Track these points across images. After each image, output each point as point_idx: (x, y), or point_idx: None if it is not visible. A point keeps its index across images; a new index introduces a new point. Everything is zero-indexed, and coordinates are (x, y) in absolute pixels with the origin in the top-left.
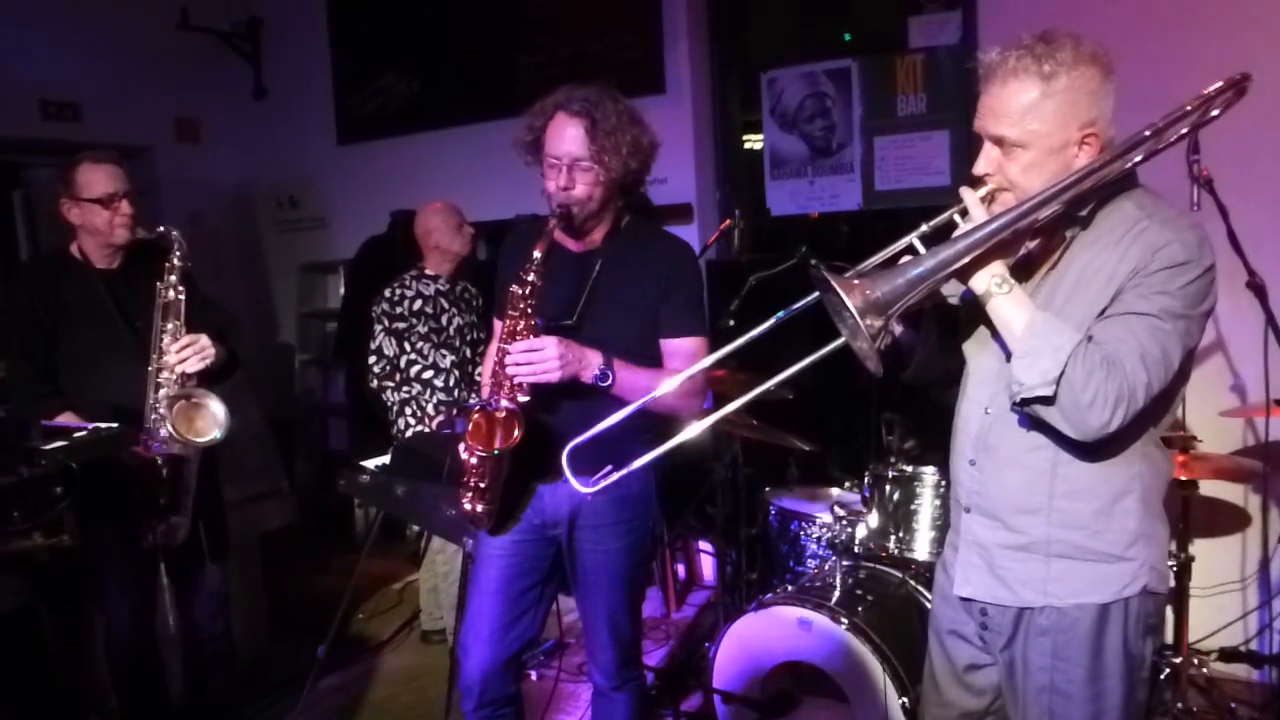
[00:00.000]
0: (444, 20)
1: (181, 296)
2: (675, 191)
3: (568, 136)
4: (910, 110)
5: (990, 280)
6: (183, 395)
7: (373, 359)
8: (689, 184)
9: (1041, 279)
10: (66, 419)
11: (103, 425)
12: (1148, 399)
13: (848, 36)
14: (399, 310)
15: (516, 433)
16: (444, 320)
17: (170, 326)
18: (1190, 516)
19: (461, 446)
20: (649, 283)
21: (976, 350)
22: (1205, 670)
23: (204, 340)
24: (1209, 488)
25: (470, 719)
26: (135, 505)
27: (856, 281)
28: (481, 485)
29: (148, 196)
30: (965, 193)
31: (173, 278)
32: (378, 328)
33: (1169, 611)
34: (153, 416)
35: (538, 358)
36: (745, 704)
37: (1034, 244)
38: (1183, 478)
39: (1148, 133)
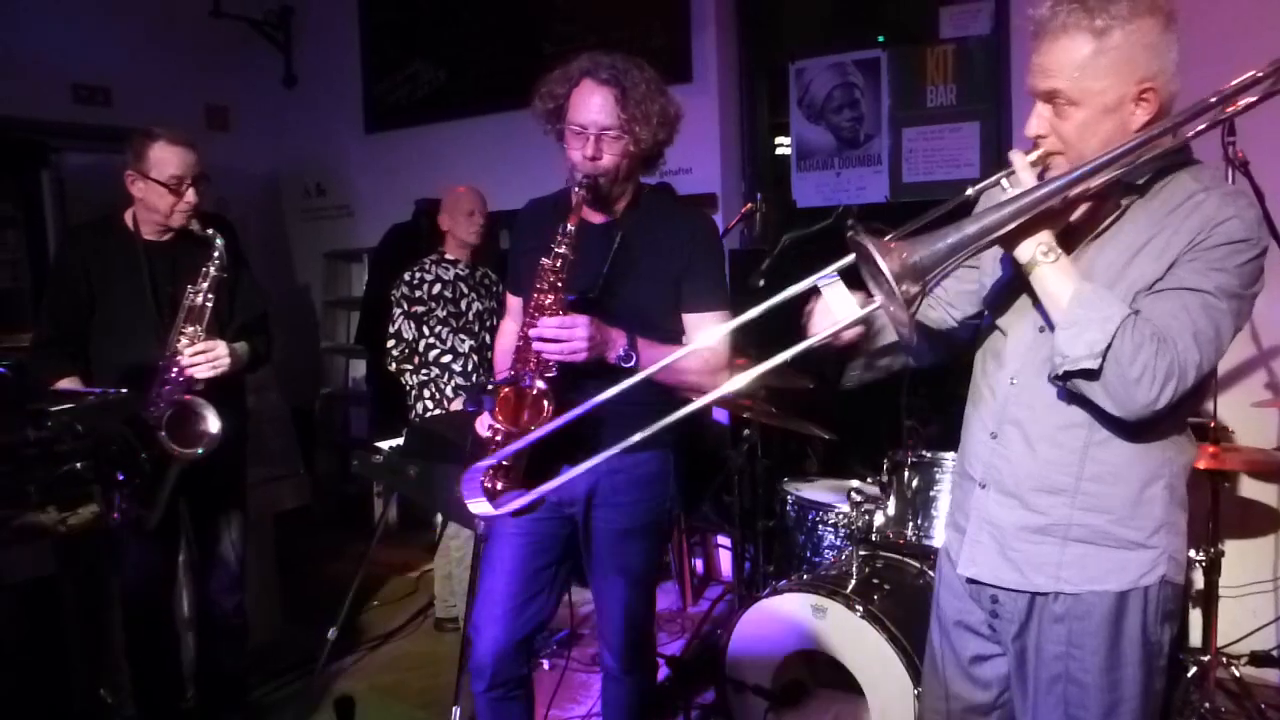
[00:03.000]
0: (471, 9)
1: (209, 304)
2: (700, 181)
3: (596, 105)
4: (940, 101)
5: (1036, 249)
6: (184, 403)
7: (391, 342)
8: (714, 174)
9: (1085, 245)
10: (71, 384)
11: (111, 390)
12: (1198, 379)
13: (881, 38)
14: (418, 294)
15: (547, 411)
16: (463, 305)
17: (190, 330)
18: (1222, 515)
19: (481, 422)
20: (672, 255)
21: (1006, 319)
22: (1235, 673)
23: (219, 350)
24: (1242, 487)
25: (480, 700)
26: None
27: (894, 245)
28: (505, 463)
29: None
30: (1015, 156)
31: (204, 284)
32: (397, 311)
33: (1198, 611)
34: (150, 409)
35: (567, 335)
36: (756, 694)
37: (1083, 210)
38: (1214, 469)
39: (1213, 99)
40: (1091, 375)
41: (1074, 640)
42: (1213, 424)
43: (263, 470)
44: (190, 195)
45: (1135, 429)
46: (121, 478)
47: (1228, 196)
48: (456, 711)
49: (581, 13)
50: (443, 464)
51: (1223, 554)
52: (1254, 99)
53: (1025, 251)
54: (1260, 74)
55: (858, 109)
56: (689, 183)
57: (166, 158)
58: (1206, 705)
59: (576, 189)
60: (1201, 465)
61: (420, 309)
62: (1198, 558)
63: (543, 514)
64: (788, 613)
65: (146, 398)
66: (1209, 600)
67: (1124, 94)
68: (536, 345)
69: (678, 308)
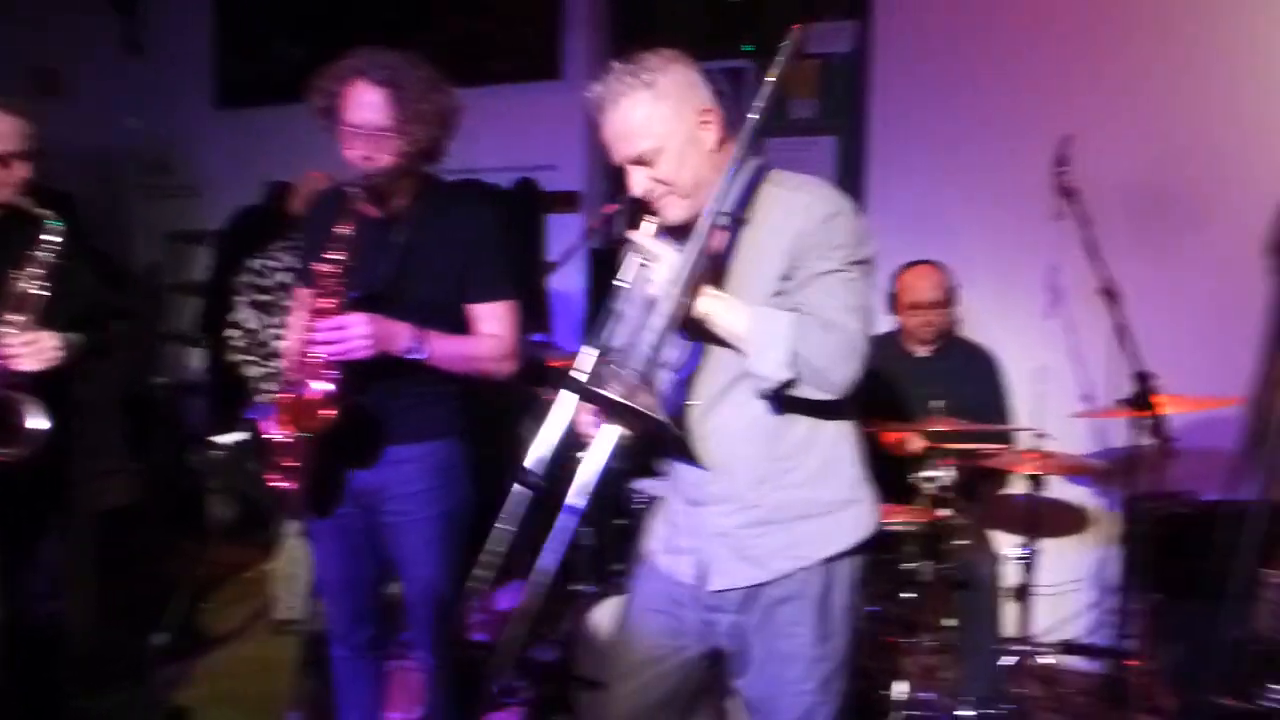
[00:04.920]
0: None
1: (40, 291)
2: (564, 179)
3: (369, 104)
4: (801, 114)
5: (705, 303)
6: (3, 398)
7: (236, 331)
8: (579, 173)
9: (724, 271)
10: None
11: None
12: (867, 344)
13: (748, 47)
14: (265, 282)
15: (329, 414)
16: None
17: (16, 319)
18: (1040, 516)
19: (268, 426)
20: (456, 247)
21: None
22: (1047, 661)
23: (45, 343)
24: (1057, 490)
25: (338, 664)
26: None
27: (615, 380)
28: (291, 465)
29: None
30: (639, 237)
31: (35, 270)
32: (240, 299)
33: (1015, 605)
34: None
35: (344, 335)
36: (601, 688)
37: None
38: (1034, 473)
39: (754, 116)
40: (791, 383)
41: (795, 619)
42: (1035, 432)
43: (87, 464)
44: (17, 169)
45: (806, 406)
46: None
47: (801, 186)
48: (295, 718)
49: (454, 4)
50: None
51: (1038, 553)
52: (778, 69)
53: (701, 309)
54: (770, 80)
55: None
56: (553, 179)
57: None
58: (1021, 691)
59: (350, 189)
60: (1023, 470)
61: (266, 298)
62: (1017, 555)
63: (346, 509)
64: None
65: None
66: (1024, 594)
67: (690, 124)
68: (316, 348)
69: (463, 298)
